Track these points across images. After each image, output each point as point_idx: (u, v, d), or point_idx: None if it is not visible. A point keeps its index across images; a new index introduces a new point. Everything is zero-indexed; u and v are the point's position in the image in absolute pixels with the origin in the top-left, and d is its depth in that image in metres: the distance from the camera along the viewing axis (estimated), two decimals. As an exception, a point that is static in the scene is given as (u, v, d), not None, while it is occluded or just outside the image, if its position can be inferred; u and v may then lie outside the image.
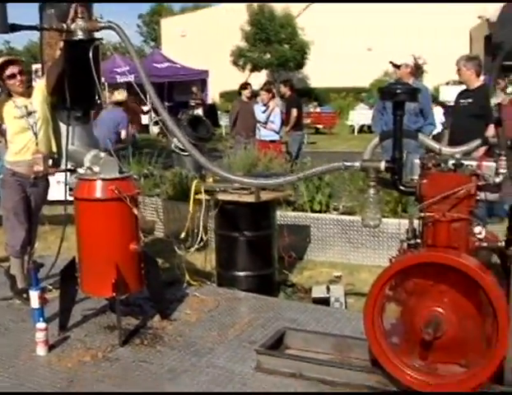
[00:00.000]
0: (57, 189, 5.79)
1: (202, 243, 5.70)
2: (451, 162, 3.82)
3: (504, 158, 3.73)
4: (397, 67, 8.05)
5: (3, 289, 5.71)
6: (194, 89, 24.59)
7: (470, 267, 3.59)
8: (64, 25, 4.77)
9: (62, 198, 5.13)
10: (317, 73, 35.50)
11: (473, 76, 6.99)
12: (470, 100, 6.94)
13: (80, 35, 4.80)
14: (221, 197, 5.89)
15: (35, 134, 5.34)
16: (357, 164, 4.10)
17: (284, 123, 11.89)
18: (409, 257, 3.83)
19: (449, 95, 20.65)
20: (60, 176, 5.36)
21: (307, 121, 23.15)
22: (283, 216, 7.22)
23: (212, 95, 32.41)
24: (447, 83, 27.76)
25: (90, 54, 4.76)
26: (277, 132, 11.68)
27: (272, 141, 11.41)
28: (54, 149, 5.42)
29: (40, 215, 5.96)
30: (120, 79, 21.34)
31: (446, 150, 4.14)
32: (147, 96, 4.95)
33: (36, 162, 5.28)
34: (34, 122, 5.34)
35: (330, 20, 35.07)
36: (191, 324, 5.10)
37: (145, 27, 67.36)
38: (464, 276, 3.59)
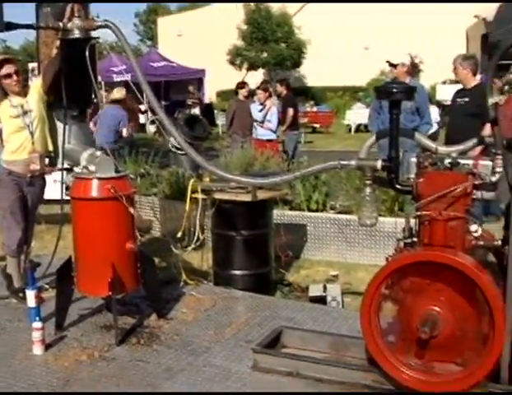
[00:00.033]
0: (53, 188, 5.78)
1: (198, 243, 5.70)
2: (447, 161, 3.82)
3: (500, 157, 3.74)
4: (393, 66, 8.06)
5: (0, 288, 5.71)
6: (191, 88, 24.59)
7: (466, 266, 3.59)
8: (60, 24, 4.75)
9: (59, 197, 5.12)
10: (314, 72, 35.50)
11: (469, 75, 7.00)
12: (466, 99, 6.95)
13: (76, 34, 4.78)
14: (218, 196, 5.88)
15: (31, 133, 5.33)
16: (353, 162, 4.10)
17: (280, 122, 11.90)
18: (405, 256, 3.84)
19: (446, 94, 20.70)
20: (57, 175, 5.35)
21: (304, 120, 23.19)
22: (280, 215, 7.21)
23: (209, 94, 32.41)
24: (444, 82, 27.84)
25: (87, 53, 4.75)
26: (274, 132, 11.68)
27: (269, 141, 11.41)
28: (51, 148, 5.42)
29: (37, 214, 5.96)
30: (117, 78, 21.35)
31: (442, 149, 4.15)
32: (144, 95, 4.94)
33: (32, 161, 5.28)
34: (30, 121, 5.34)
35: (327, 20, 35.08)
36: (188, 323, 5.10)
37: (142, 26, 67.27)
38: (461, 274, 3.60)
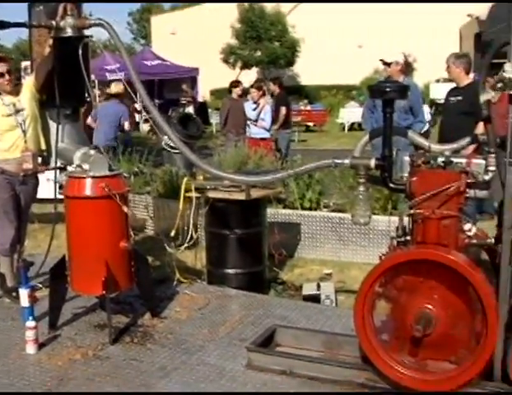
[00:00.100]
0: (46, 187, 5.76)
1: (192, 241, 5.70)
2: (441, 159, 3.84)
3: (493, 155, 3.75)
4: (387, 64, 8.07)
5: (-7, 287, 5.69)
6: (184, 86, 24.56)
7: (459, 264, 3.61)
8: (53, 23, 4.74)
9: (52, 196, 5.11)
10: (307, 71, 35.52)
11: (462, 73, 7.02)
12: (459, 98, 6.96)
13: (69, 33, 4.77)
14: (212, 194, 5.88)
15: (24, 132, 5.32)
16: (347, 161, 4.11)
17: (273, 120, 11.90)
18: (399, 255, 3.84)
19: (439, 92, 20.76)
20: (50, 174, 5.34)
21: (297, 119, 23.20)
22: (273, 213, 7.22)
23: (203, 93, 32.36)
24: (437, 81, 27.87)
25: (80, 52, 4.74)
26: (268, 130, 11.68)
27: (263, 139, 11.41)
28: (43, 146, 5.41)
29: (30, 213, 5.94)
30: (110, 77, 21.26)
31: (436, 147, 4.16)
32: (137, 94, 4.93)
33: (25, 160, 5.26)
34: (22, 119, 5.32)
35: (321, 18, 35.09)
36: (181, 322, 5.10)
37: (135, 25, 67.19)
38: (454, 272, 3.61)
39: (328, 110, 29.46)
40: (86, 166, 4.73)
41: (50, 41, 4.93)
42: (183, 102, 22.49)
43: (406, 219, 3.92)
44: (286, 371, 4.12)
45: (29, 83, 5.37)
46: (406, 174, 3.94)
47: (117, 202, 4.63)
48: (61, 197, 4.90)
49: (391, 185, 4.01)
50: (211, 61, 32.86)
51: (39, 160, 5.33)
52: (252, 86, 12.15)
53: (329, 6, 34.23)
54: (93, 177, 4.65)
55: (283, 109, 11.96)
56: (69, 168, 4.91)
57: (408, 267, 3.77)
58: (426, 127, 11.69)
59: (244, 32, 33.71)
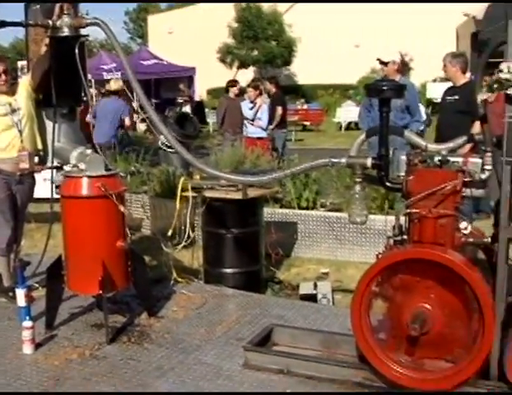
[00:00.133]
0: (43, 187, 5.75)
1: (189, 241, 5.70)
2: (437, 158, 3.84)
3: (489, 154, 3.75)
4: (384, 64, 8.07)
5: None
6: (181, 86, 24.52)
7: (456, 263, 3.61)
8: (50, 22, 4.74)
9: (49, 196, 5.10)
10: (304, 70, 35.54)
11: (459, 72, 7.02)
12: (456, 97, 6.97)
13: (66, 32, 4.77)
14: (208, 194, 5.87)
15: (20, 131, 5.31)
16: (344, 160, 4.11)
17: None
18: (395, 254, 3.85)
19: (436, 91, 20.76)
20: (46, 173, 5.33)
21: (294, 118, 23.20)
22: (270, 212, 7.22)
23: (200, 92, 32.34)
24: (434, 80, 27.91)
25: (76, 51, 4.73)
26: (265, 129, 11.68)
27: (260, 138, 11.42)
28: (40, 146, 5.40)
29: (26, 212, 5.93)
30: (107, 76, 21.23)
31: (432, 146, 4.16)
32: (134, 94, 4.93)
33: (22, 160, 5.25)
34: (18, 119, 5.31)
35: (317, 18, 35.09)
36: (178, 321, 5.10)
37: (132, 24, 67.15)
38: (450, 272, 3.61)
39: (324, 110, 29.47)
40: (82, 166, 4.72)
41: (46, 40, 4.93)
42: (180, 101, 22.45)
43: (402, 218, 3.92)
44: (283, 370, 4.12)
45: (25, 82, 5.36)
46: (402, 174, 3.95)
47: (113, 201, 4.62)
48: (57, 196, 4.89)
49: (387, 184, 4.02)
50: (208, 60, 32.86)
51: (36, 159, 5.33)
52: (249, 86, 12.16)
53: (326, 6, 34.24)
54: (89, 176, 4.65)
55: (279, 109, 11.96)
56: (66, 167, 4.90)
57: (405, 266, 3.78)
58: (422, 126, 11.71)
59: (240, 31, 33.72)
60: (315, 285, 5.92)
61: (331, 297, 5.74)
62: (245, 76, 26.33)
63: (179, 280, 5.85)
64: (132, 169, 9.26)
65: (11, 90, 5.39)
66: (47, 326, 4.87)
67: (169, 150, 7.76)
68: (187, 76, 27.46)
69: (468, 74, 7.32)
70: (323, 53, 35.53)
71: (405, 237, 3.90)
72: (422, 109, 13.94)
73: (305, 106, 28.04)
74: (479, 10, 23.84)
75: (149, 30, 45.82)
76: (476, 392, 3.71)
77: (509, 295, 3.66)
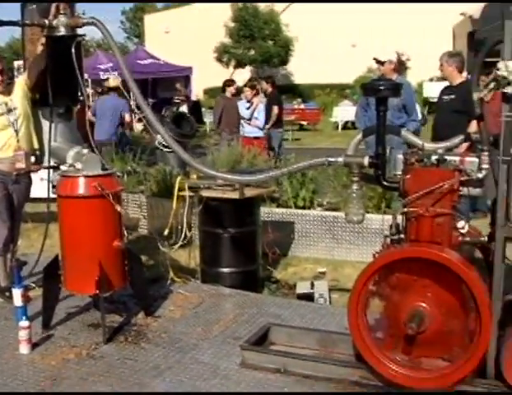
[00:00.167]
0: (40, 186, 5.75)
1: (186, 240, 5.69)
2: (434, 157, 3.84)
3: (486, 153, 3.76)
4: (381, 63, 8.08)
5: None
6: (178, 85, 24.51)
7: (453, 262, 3.61)
8: (46, 21, 4.73)
9: (45, 196, 5.09)
10: (301, 69, 35.51)
11: (455, 72, 7.02)
12: (453, 96, 6.97)
13: (62, 31, 4.77)
14: (205, 193, 5.87)
15: (16, 131, 5.30)
16: (340, 159, 4.12)
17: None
18: (392, 253, 3.85)
19: (433, 91, 20.78)
20: (43, 173, 5.33)
21: (291, 117, 23.19)
22: (267, 212, 7.22)
23: (196, 92, 32.33)
24: (431, 79, 27.92)
25: (73, 50, 4.73)
26: (261, 129, 11.68)
27: (256, 138, 11.41)
28: (36, 145, 5.39)
29: (23, 212, 5.92)
30: (103, 75, 21.24)
31: (429, 145, 4.17)
32: (131, 93, 4.92)
33: (18, 159, 5.24)
34: (14, 119, 5.30)
35: (314, 17, 35.08)
36: (175, 321, 5.10)
37: (128, 23, 67.07)
38: (447, 270, 3.62)
39: (321, 109, 29.46)
40: (78, 165, 4.71)
41: (43, 40, 4.92)
42: (177, 101, 22.46)
43: (399, 217, 3.93)
44: (280, 369, 4.12)
45: (21, 82, 5.35)
46: (399, 173, 3.95)
47: (110, 201, 4.62)
48: (54, 196, 4.88)
49: (384, 183, 4.02)
50: (205, 60, 32.82)
51: (32, 159, 5.32)
52: (245, 85, 12.15)
53: (322, 6, 34.24)
54: (86, 176, 4.64)
55: (275, 109, 11.96)
56: (62, 167, 4.89)
57: (402, 265, 3.78)
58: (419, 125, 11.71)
59: (237, 31, 33.69)
60: (312, 285, 5.92)
61: (328, 296, 5.74)
62: (242, 75, 26.30)
63: (176, 279, 5.85)
64: (128, 169, 9.26)
65: (8, 89, 5.38)
66: (44, 326, 4.86)
67: (165, 149, 7.77)
68: (183, 76, 27.45)
69: (465, 73, 7.32)
70: (319, 52, 35.51)
71: (402, 236, 3.90)
72: (418, 108, 13.96)
73: (302, 106, 28.02)
74: (476, 9, 23.84)
75: (146, 29, 45.75)
76: (473, 390, 3.72)
77: (506, 294, 3.66)
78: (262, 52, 33.27)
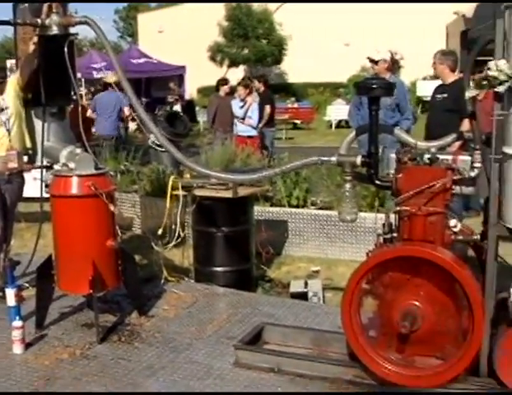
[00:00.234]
0: (33, 186, 5.74)
1: (179, 240, 5.70)
2: (427, 156, 3.85)
3: (479, 152, 3.77)
4: (374, 62, 8.08)
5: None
6: (172, 85, 24.50)
7: (446, 261, 3.62)
8: (38, 20, 4.72)
9: (39, 195, 5.08)
10: (295, 68, 35.53)
11: (447, 70, 7.03)
12: (445, 95, 6.97)
13: (55, 30, 4.76)
14: (199, 192, 5.87)
15: (8, 131, 5.29)
16: (333, 158, 4.12)
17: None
18: (385, 251, 3.86)
19: (426, 89, 20.81)
20: (36, 173, 5.31)
21: (285, 116, 23.20)
22: (261, 211, 7.22)
23: (190, 91, 32.31)
24: (424, 78, 27.96)
25: (66, 49, 4.72)
26: (255, 128, 11.68)
27: (250, 137, 11.41)
28: (29, 145, 5.38)
29: (16, 212, 5.91)
30: (97, 75, 21.21)
31: (422, 144, 4.17)
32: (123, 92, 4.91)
33: (10, 159, 5.22)
34: (6, 118, 5.29)
35: (307, 16, 35.09)
36: (169, 320, 5.09)
37: (121, 22, 66.98)
38: (440, 269, 3.62)
39: (315, 108, 29.47)
40: (72, 165, 4.70)
41: (35, 39, 4.91)
42: (171, 100, 22.46)
43: (392, 216, 3.93)
44: (274, 369, 4.12)
45: (13, 81, 5.34)
46: (392, 171, 3.96)
47: (103, 200, 4.61)
48: (47, 195, 4.87)
49: (377, 182, 4.03)
50: (198, 59, 32.78)
51: (25, 158, 5.30)
52: (239, 84, 12.14)
53: (316, 4, 34.25)
54: (79, 175, 4.64)
55: (267, 108, 11.96)
56: (55, 166, 4.88)
57: (395, 264, 3.78)
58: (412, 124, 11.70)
59: (231, 30, 33.65)
60: (306, 284, 5.93)
61: (321, 295, 5.75)
62: (236, 74, 26.26)
63: (170, 279, 5.85)
64: (122, 168, 9.24)
65: (0, 89, 5.36)
66: (37, 326, 4.85)
67: (159, 148, 7.75)
68: (177, 75, 27.44)
69: (456, 72, 7.33)
70: (313, 51, 35.51)
71: (395, 235, 3.91)
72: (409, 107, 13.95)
73: (296, 104, 28.03)
74: (469, 8, 23.88)
75: (139, 28, 45.69)
76: (466, 388, 3.73)
77: (499, 292, 3.67)
78: (255, 51, 33.26)
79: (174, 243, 5.67)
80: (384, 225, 3.94)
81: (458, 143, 4.61)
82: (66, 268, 4.75)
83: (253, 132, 11.65)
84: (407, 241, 3.83)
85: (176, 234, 5.65)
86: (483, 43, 3.62)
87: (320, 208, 7.48)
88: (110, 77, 11.35)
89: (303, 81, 35.78)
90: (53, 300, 5.07)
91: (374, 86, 3.93)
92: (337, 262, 6.88)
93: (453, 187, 3.78)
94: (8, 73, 5.79)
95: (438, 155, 3.86)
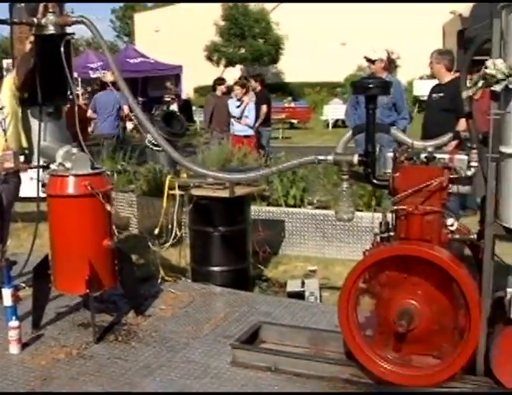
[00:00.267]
0: (29, 186, 5.72)
1: (176, 239, 5.69)
2: (423, 155, 3.85)
3: (475, 151, 3.77)
4: (371, 62, 8.08)
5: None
6: (168, 84, 24.48)
7: (443, 260, 3.62)
8: (35, 20, 4.72)
9: (35, 195, 5.07)
10: (291, 68, 35.55)
11: (443, 70, 7.04)
12: (441, 94, 6.99)
13: (51, 30, 4.75)
14: (195, 192, 5.86)
15: (4, 131, 5.27)
16: (330, 157, 4.12)
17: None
18: (382, 250, 3.86)
19: (423, 89, 20.81)
20: (33, 172, 5.30)
21: (282, 116, 23.22)
22: (257, 210, 7.22)
23: (187, 91, 32.29)
24: (421, 77, 27.99)
25: (62, 49, 4.71)
26: (251, 127, 11.68)
27: (246, 136, 11.42)
28: (25, 144, 5.36)
29: (13, 212, 5.89)
30: (93, 74, 21.19)
31: (418, 143, 4.18)
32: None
33: (6, 159, 5.21)
34: (2, 118, 5.27)
35: (304, 15, 35.11)
36: (166, 320, 5.09)
37: (118, 22, 66.94)
38: (437, 268, 3.63)
39: (311, 107, 29.50)
40: (68, 164, 4.69)
41: (31, 38, 4.90)
42: (167, 100, 22.44)
43: (389, 215, 3.93)
44: (271, 368, 4.12)
45: (9, 81, 5.32)
46: (389, 171, 3.96)
47: (100, 200, 4.60)
48: (44, 195, 4.87)
49: (374, 181, 4.03)
50: (195, 58, 32.80)
51: (21, 158, 5.29)
52: (235, 84, 12.16)
53: (312, 4, 34.27)
54: (76, 175, 4.63)
55: (264, 108, 11.98)
56: (52, 166, 4.88)
57: (392, 263, 3.79)
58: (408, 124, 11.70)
59: (227, 29, 33.68)
60: (303, 283, 5.93)
61: (318, 294, 5.75)
62: (232, 74, 26.30)
63: (167, 278, 5.84)
64: (118, 168, 9.23)
65: (-5, 88, 5.35)
66: (33, 325, 4.84)
67: (156, 148, 7.76)
68: (174, 75, 27.40)
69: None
70: (310, 50, 35.54)
71: (392, 234, 3.91)
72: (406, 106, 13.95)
73: (293, 104, 28.05)
74: (465, 8, 23.91)
75: (135, 28, 45.69)
76: (463, 387, 3.73)
77: (495, 291, 3.68)
78: (252, 50, 33.28)
79: (170, 242, 5.67)
80: (380, 224, 3.95)
81: (454, 142, 4.61)
82: (62, 268, 4.74)
83: (250, 132, 11.66)
84: (403, 240, 3.83)
85: (173, 234, 5.64)
86: (480, 42, 3.62)
87: (317, 207, 7.48)
88: (109, 76, 11.39)
89: (300, 81, 35.80)
90: (50, 300, 5.06)
91: (370, 86, 3.93)
92: (333, 261, 6.88)
93: (450, 186, 3.79)
94: (4, 73, 5.76)
95: (435, 155, 3.86)
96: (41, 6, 4.71)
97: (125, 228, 8.22)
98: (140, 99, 22.27)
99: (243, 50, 33.75)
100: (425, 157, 3.84)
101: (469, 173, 3.80)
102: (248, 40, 33.52)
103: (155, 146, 6.88)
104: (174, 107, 18.74)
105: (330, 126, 25.89)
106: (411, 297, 3.75)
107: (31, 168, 5.30)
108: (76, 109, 5.05)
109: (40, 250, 5.29)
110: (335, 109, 25.33)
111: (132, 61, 26.14)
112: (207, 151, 9.17)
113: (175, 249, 6.13)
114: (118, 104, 11.83)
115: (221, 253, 5.94)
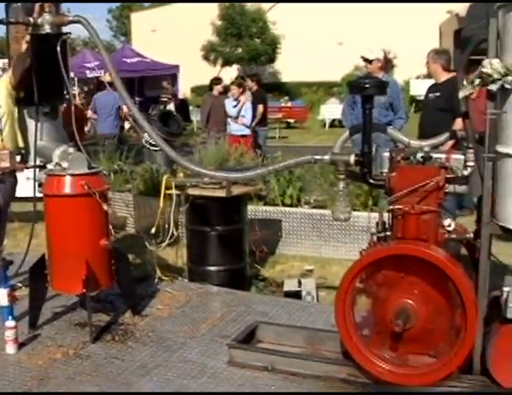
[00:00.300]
0: (26, 186, 5.71)
1: (173, 239, 5.69)
2: (420, 155, 3.86)
3: (472, 151, 3.77)
4: (368, 61, 8.09)
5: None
6: (165, 84, 24.46)
7: (439, 259, 3.63)
8: (31, 19, 4.71)
9: (32, 195, 5.06)
10: (288, 67, 35.56)
11: (439, 69, 7.04)
12: (438, 94, 7.00)
13: (47, 29, 4.75)
14: (192, 191, 5.86)
15: (0, 130, 5.26)
16: (327, 157, 4.12)
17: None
18: (379, 250, 3.86)
19: (419, 88, 20.85)
20: (29, 172, 5.29)
21: (278, 115, 23.22)
22: (254, 210, 7.22)
23: (183, 90, 32.29)
24: (417, 77, 28.02)
25: (58, 49, 4.70)
26: (248, 127, 11.69)
27: (243, 136, 11.42)
28: (21, 144, 5.35)
29: (9, 212, 5.89)
30: (90, 74, 21.19)
31: (415, 143, 4.18)
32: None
33: (2, 158, 5.19)
34: (-1, 117, 5.27)
35: (301, 15, 35.13)
36: (163, 320, 5.09)
37: (115, 22, 66.90)
38: (433, 267, 3.63)
39: (308, 107, 29.51)
40: (65, 164, 4.69)
41: (27, 37, 4.89)
42: (164, 99, 22.42)
43: (386, 214, 3.93)
44: (267, 367, 4.12)
45: (5, 80, 5.32)
46: (385, 170, 3.96)
47: (97, 199, 4.60)
48: (40, 195, 4.86)
49: (371, 181, 4.03)
50: (192, 58, 32.79)
51: (18, 158, 5.28)
52: (232, 83, 12.16)
53: (309, 4, 34.29)
54: (72, 175, 4.62)
55: (260, 107, 11.99)
56: (48, 166, 4.87)
57: (388, 263, 3.79)
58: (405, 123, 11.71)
59: (224, 29, 33.68)
60: (299, 282, 5.93)
61: (315, 294, 5.75)
62: (229, 73, 26.28)
63: (163, 278, 5.84)
64: (115, 168, 9.22)
65: (-9, 88, 5.34)
66: (30, 325, 4.84)
67: (152, 148, 7.75)
68: (170, 74, 27.37)
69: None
70: (306, 50, 35.57)
71: (388, 233, 3.91)
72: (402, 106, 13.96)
73: (289, 104, 28.07)
74: (462, 7, 23.93)
75: (132, 27, 45.68)
76: (459, 386, 3.73)
77: (492, 291, 3.68)
78: (249, 50, 33.28)
79: (167, 242, 5.66)
80: (377, 223, 3.95)
81: (451, 142, 4.62)
82: (59, 268, 4.74)
83: (247, 131, 11.67)
84: (400, 240, 3.84)
85: (170, 234, 5.64)
86: (476, 42, 3.62)
87: (314, 207, 7.49)
88: (108, 76, 11.43)
89: (296, 80, 35.81)
90: (47, 300, 5.05)
91: (367, 85, 3.93)
92: (330, 260, 6.88)
93: (447, 185, 3.79)
94: (0, 72, 5.75)
95: (431, 154, 3.87)
96: (37, 5, 4.71)
97: (122, 228, 8.22)
98: (137, 98, 22.25)
99: (239, 50, 33.76)
100: (422, 157, 3.84)
101: (466, 172, 3.80)
102: (244, 40, 33.52)
103: (152, 145, 6.87)
104: (170, 107, 18.74)
105: (327, 126, 25.88)
106: (407, 296, 3.75)
107: (28, 168, 5.29)
108: (73, 108, 5.03)
109: (37, 250, 5.28)
110: (332, 109, 25.33)
111: (128, 60, 26.11)
112: (203, 151, 9.17)
113: (172, 249, 6.13)
114: (118, 104, 11.90)
115: (217, 253, 5.94)
